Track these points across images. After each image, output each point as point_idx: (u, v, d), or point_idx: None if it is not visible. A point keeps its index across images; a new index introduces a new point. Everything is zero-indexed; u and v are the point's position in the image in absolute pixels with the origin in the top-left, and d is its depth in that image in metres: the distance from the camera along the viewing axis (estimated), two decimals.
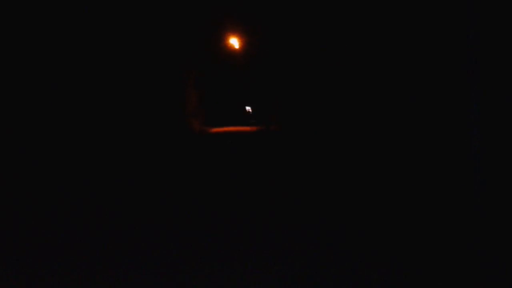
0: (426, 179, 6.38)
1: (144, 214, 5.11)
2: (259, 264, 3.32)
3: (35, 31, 9.11)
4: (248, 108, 40.98)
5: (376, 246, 3.91)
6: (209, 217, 4.97)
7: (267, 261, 3.39)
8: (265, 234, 4.23)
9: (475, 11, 4.75)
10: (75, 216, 5.14)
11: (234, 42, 26.50)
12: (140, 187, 7.20)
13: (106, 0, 13.15)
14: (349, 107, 13.09)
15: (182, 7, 20.65)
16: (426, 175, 6.45)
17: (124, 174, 8.70)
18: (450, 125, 6.04)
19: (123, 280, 3.10)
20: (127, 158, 11.74)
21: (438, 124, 6.54)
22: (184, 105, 23.88)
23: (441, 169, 6.02)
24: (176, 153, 13.48)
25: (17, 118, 7.84)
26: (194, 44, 24.20)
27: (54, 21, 10.03)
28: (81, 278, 3.20)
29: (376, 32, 10.15)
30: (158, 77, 18.51)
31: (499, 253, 3.66)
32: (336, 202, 5.89)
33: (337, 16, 14.44)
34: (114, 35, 13.95)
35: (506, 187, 4.71)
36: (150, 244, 3.86)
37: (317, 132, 17.99)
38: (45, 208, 5.78)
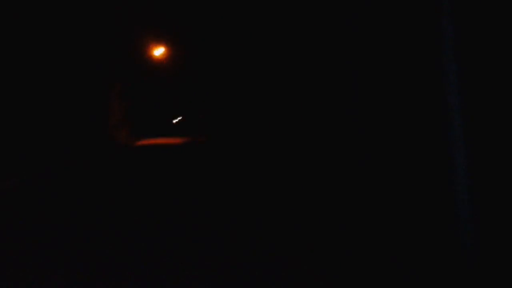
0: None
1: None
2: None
3: None
4: (176, 120, 40.72)
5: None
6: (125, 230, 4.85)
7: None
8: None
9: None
10: None
11: (160, 52, 26.27)
12: (51, 202, 6.86)
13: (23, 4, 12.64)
14: (272, 117, 13.46)
15: (102, 20, 20.20)
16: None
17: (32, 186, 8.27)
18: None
19: None
20: (39, 168, 11.25)
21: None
22: (107, 117, 23.25)
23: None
24: (95, 166, 12.99)
25: None
26: (117, 56, 23.71)
27: None
28: None
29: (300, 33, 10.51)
30: (75, 89, 17.93)
31: None
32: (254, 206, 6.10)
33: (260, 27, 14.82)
34: (26, 41, 13.38)
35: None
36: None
37: (240, 142, 18.30)
38: None
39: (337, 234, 4.44)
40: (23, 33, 13.08)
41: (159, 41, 25.78)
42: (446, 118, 3.57)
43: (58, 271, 3.60)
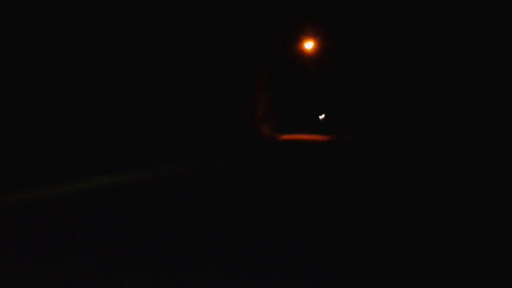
0: None
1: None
2: None
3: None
4: (321, 116, 39.32)
5: None
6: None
7: None
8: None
9: None
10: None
11: (309, 45, 25.12)
12: (200, 192, 6.22)
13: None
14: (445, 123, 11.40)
15: (256, 8, 19.74)
16: None
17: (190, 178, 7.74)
18: None
19: None
20: (191, 158, 10.84)
21: None
22: (254, 108, 22.90)
23: None
24: (241, 159, 12.33)
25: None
26: (266, 46, 23.19)
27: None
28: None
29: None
30: (224, 77, 17.67)
31: None
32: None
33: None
34: (186, 34, 13.33)
35: None
36: None
37: (391, 144, 16.21)
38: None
39: None
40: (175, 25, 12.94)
41: (309, 35, 24.63)
42: None
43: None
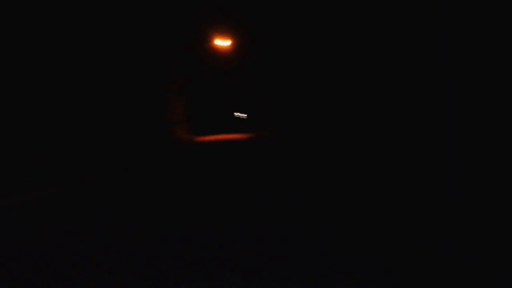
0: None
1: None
2: None
3: None
4: (238, 114, 39.01)
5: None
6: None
7: None
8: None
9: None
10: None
11: (223, 43, 24.48)
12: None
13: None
14: (348, 109, 11.50)
15: (163, 10, 18.68)
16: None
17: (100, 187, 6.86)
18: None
19: None
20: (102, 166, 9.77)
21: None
22: (168, 113, 21.88)
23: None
24: (156, 164, 11.58)
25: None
26: (179, 47, 22.20)
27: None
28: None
29: (375, 32, 9.30)
30: (133, 81, 16.54)
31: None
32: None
33: (337, 16, 12.70)
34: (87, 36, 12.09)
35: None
36: None
37: (311, 136, 16.20)
38: None
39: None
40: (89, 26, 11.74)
41: (224, 33, 24.00)
42: None
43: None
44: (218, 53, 26.70)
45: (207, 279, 3.13)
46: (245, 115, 38.87)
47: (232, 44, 25.26)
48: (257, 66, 26.72)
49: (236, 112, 38.44)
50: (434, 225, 4.40)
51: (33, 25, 9.50)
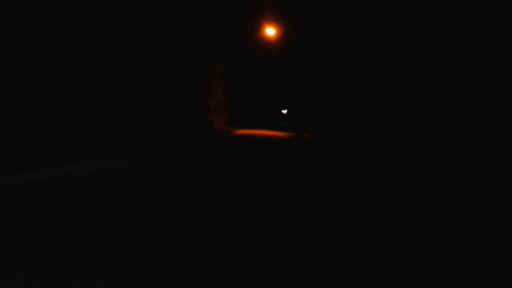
0: None
1: None
2: None
3: None
4: (283, 111, 37.00)
5: None
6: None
7: None
8: None
9: None
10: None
11: (271, 32, 22.63)
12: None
13: None
14: (408, 113, 9.83)
15: None
16: None
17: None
18: None
19: None
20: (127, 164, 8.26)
21: None
22: (207, 100, 20.30)
23: None
24: (188, 156, 10.39)
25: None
26: (223, 32, 20.51)
27: None
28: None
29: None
30: (172, 65, 15.02)
31: None
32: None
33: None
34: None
35: None
36: None
37: (363, 142, 14.27)
38: None
39: None
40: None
41: (272, 20, 22.13)
42: None
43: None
44: (264, 43, 24.93)
45: None
46: (286, 111, 36.97)
47: (279, 35, 23.41)
48: (304, 60, 24.80)
49: (277, 106, 36.58)
50: None
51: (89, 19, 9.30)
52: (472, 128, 7.10)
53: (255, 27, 22.76)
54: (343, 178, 8.24)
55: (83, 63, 9.60)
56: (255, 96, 32.14)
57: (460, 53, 7.76)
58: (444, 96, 8.26)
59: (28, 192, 5.22)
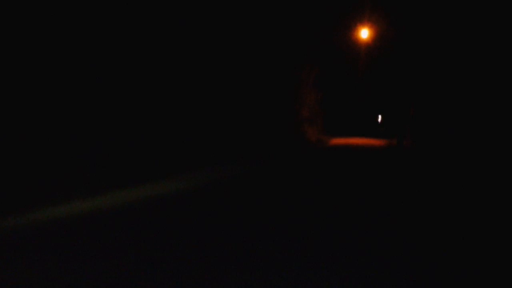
0: None
1: None
2: None
3: None
4: (379, 118, 35.07)
5: None
6: None
7: None
8: None
9: None
10: None
11: (365, 34, 21.31)
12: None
13: None
14: None
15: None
16: None
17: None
18: None
19: None
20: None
21: None
22: (299, 108, 19.57)
23: None
24: (280, 169, 9.98)
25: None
26: (315, 36, 19.65)
27: None
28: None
29: None
30: (263, 72, 14.51)
31: None
32: None
33: None
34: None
35: None
36: None
37: (469, 153, 12.58)
38: None
39: None
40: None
41: (366, 22, 20.82)
42: None
43: None
44: (356, 46, 23.64)
45: None
46: (381, 118, 35.02)
47: (372, 36, 22.00)
48: (400, 65, 23.14)
49: (371, 112, 34.80)
50: None
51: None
52: None
53: (348, 30, 21.61)
54: (468, 203, 6.87)
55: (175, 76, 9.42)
56: (347, 102, 30.79)
57: None
58: None
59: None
